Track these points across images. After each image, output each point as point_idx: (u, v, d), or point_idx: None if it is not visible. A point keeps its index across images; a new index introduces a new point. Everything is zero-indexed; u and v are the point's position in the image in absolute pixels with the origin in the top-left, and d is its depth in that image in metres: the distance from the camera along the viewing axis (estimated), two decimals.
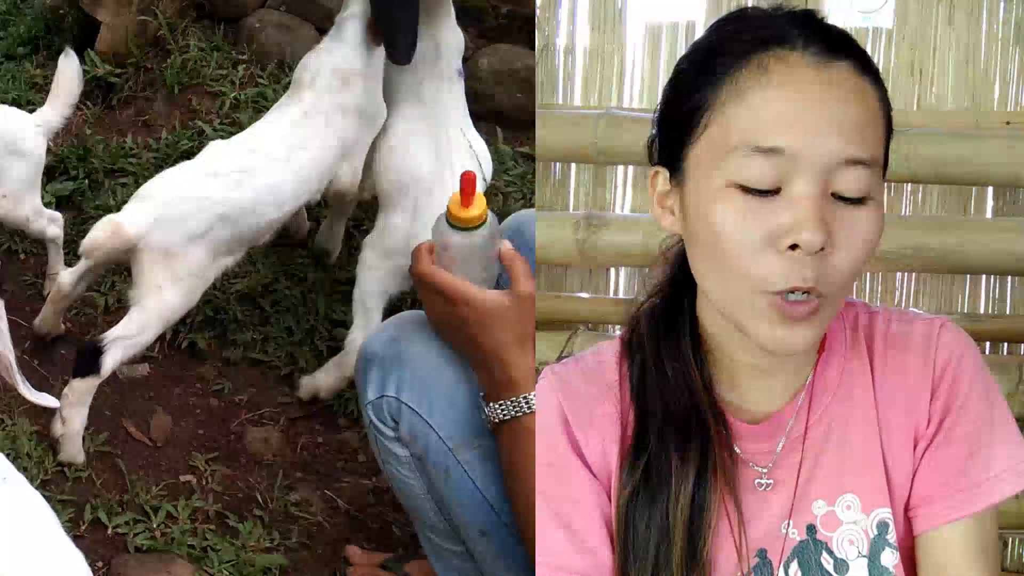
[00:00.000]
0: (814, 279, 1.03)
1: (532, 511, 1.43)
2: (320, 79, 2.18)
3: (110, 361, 1.99)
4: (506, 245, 1.53)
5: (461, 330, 1.49)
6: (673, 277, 1.19)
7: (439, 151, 2.17)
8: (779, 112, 1.03)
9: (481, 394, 1.50)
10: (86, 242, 1.98)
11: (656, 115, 1.16)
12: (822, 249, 1.02)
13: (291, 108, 2.17)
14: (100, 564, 1.92)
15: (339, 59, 2.20)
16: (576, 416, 1.16)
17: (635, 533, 1.12)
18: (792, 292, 1.03)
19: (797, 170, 1.02)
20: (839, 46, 1.07)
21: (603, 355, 1.20)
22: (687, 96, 1.09)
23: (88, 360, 1.99)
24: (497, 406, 1.46)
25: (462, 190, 1.48)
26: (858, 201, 1.04)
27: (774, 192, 1.03)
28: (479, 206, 1.49)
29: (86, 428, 2.12)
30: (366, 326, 2.13)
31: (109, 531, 1.98)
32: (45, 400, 1.43)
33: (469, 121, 2.27)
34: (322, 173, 2.19)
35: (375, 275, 2.16)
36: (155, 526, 1.99)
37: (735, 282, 1.06)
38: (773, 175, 1.03)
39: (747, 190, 1.04)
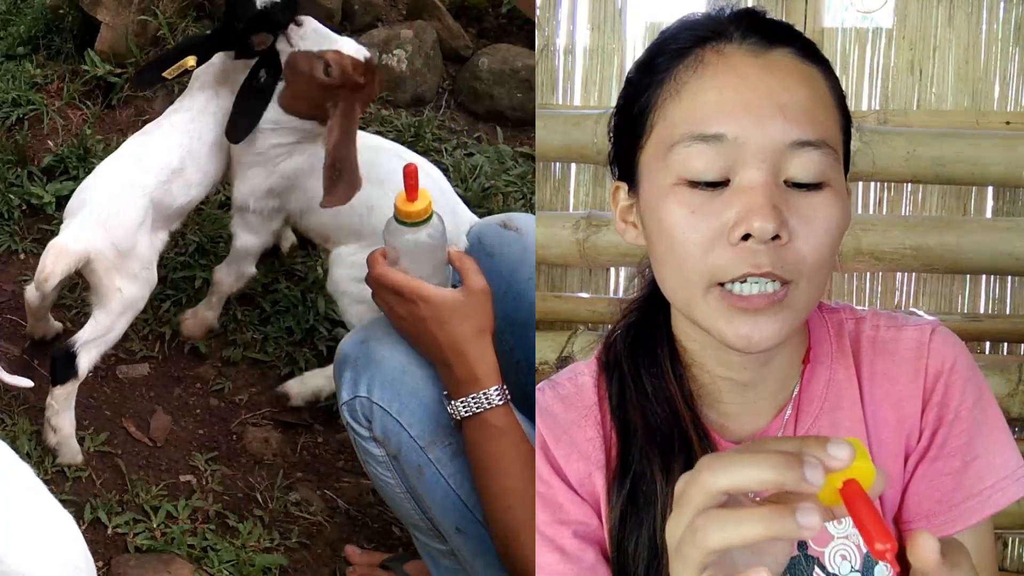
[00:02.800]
0: (770, 265, 0.98)
1: (500, 507, 1.44)
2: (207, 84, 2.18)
3: (85, 362, 2.00)
4: (452, 248, 1.57)
5: (420, 328, 1.51)
6: (649, 295, 1.16)
7: (369, 167, 2.10)
8: (717, 100, 1.00)
9: (445, 392, 1.51)
10: (38, 277, 1.96)
11: (610, 127, 1.14)
12: (778, 238, 0.98)
13: (184, 103, 2.19)
14: (100, 564, 1.92)
15: (219, 68, 2.18)
16: (557, 442, 1.14)
17: (626, 555, 1.10)
18: (747, 279, 0.98)
19: (743, 158, 0.98)
20: (778, 36, 1.04)
21: (579, 378, 1.18)
22: (634, 102, 1.08)
23: (63, 366, 1.99)
24: (460, 403, 1.48)
25: (406, 184, 1.51)
26: (814, 187, 1.00)
27: (723, 185, 0.99)
28: (424, 199, 1.52)
29: (86, 428, 2.12)
30: None
31: (109, 531, 1.98)
32: (21, 381, 1.45)
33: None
34: (219, 167, 2.19)
35: (363, 308, 2.09)
36: (155, 526, 1.99)
37: (689, 280, 1.02)
38: (719, 165, 0.99)
39: (695, 184, 1.00)
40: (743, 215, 0.98)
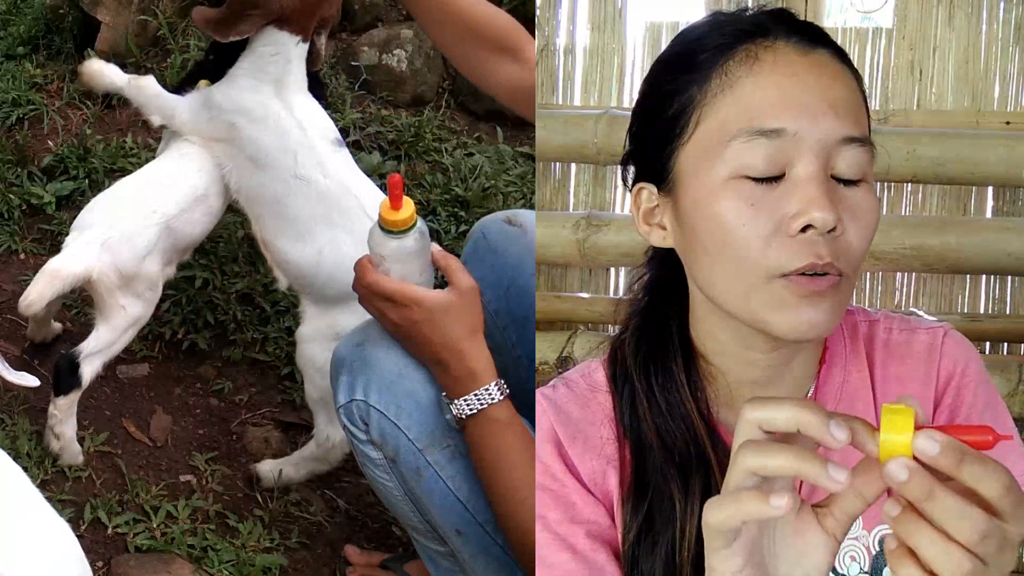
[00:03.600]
0: (830, 256, 0.99)
1: (513, 501, 1.42)
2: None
3: (88, 373, 1.98)
4: (435, 247, 1.57)
5: (414, 332, 1.51)
6: (651, 304, 1.16)
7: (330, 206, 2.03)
8: (775, 95, 1.01)
9: (443, 394, 1.51)
10: (23, 302, 1.94)
11: (632, 130, 1.14)
12: (834, 229, 0.99)
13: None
14: (100, 564, 1.92)
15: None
16: (571, 440, 1.13)
17: (641, 573, 1.08)
18: (808, 272, 0.99)
19: (799, 152, 1.00)
20: (817, 37, 1.06)
21: (593, 377, 1.17)
22: (670, 100, 1.07)
23: (66, 376, 1.98)
24: (463, 402, 1.48)
25: (390, 193, 1.51)
26: (855, 183, 1.02)
27: (777, 179, 1.01)
28: (408, 208, 1.52)
29: (86, 428, 2.12)
30: (333, 419, 1.99)
31: (109, 531, 1.97)
32: (26, 380, 1.44)
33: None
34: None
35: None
36: (155, 526, 1.99)
37: (748, 275, 1.01)
38: (778, 159, 1.00)
39: (752, 179, 1.01)
40: (803, 207, 0.99)
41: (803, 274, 1.00)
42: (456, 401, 1.49)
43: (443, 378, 1.51)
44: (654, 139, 1.09)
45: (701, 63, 1.05)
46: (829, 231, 0.99)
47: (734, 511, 0.80)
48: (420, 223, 1.55)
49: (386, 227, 1.53)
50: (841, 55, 1.07)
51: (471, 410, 1.48)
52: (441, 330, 1.49)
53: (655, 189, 1.10)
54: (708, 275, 1.07)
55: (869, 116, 1.08)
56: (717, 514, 0.81)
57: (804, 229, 0.99)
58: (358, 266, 1.55)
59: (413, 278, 1.54)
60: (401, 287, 1.51)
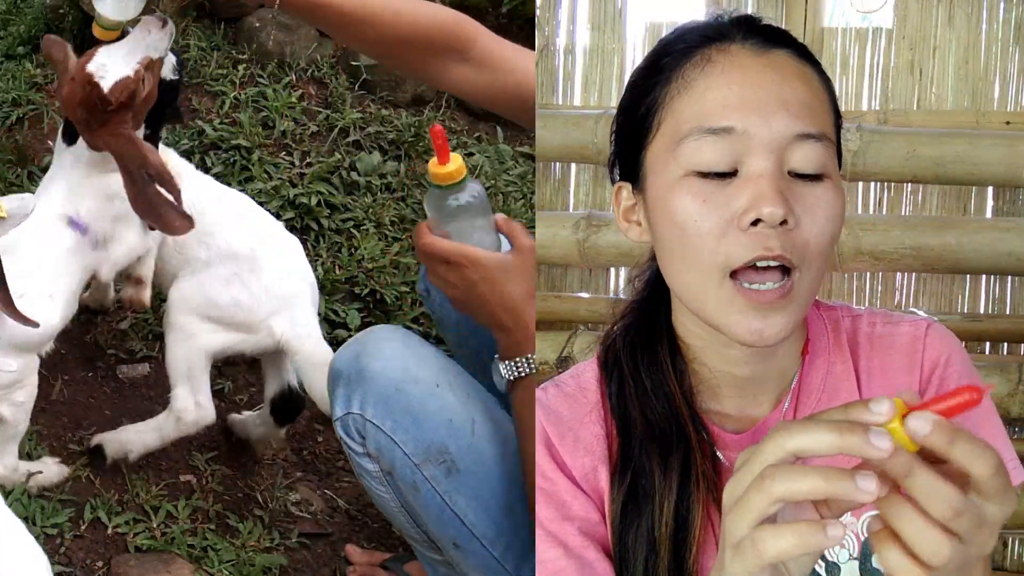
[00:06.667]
0: (780, 248, 1.02)
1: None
2: None
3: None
4: (499, 215, 1.52)
5: (473, 293, 1.46)
6: (645, 297, 1.20)
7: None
8: (725, 95, 1.05)
9: (496, 356, 1.47)
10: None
11: (613, 131, 1.18)
12: (785, 223, 1.02)
13: None
14: (100, 564, 1.92)
15: None
16: (561, 439, 1.16)
17: (625, 548, 1.11)
18: (758, 264, 1.02)
19: (750, 149, 1.03)
20: (777, 38, 1.09)
21: (583, 377, 1.20)
22: (640, 102, 1.12)
23: (287, 409, 2.14)
24: (514, 364, 1.45)
25: (435, 146, 1.46)
26: (815, 178, 1.05)
27: (731, 175, 1.04)
28: (456, 160, 1.48)
29: (86, 428, 2.12)
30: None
31: (109, 531, 1.98)
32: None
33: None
34: None
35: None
36: (155, 526, 1.99)
37: (702, 270, 1.05)
38: (728, 156, 1.04)
39: (704, 175, 1.04)
40: (753, 202, 1.02)
41: (753, 277, 1.02)
42: (508, 363, 1.45)
43: (504, 340, 1.46)
44: (628, 139, 1.14)
45: (664, 67, 1.10)
46: (780, 224, 1.02)
47: (797, 543, 0.78)
48: (474, 183, 1.49)
49: (435, 182, 1.47)
50: (805, 55, 1.09)
51: (522, 373, 1.44)
52: (499, 291, 1.44)
53: (631, 188, 1.15)
54: (671, 271, 1.11)
55: (839, 115, 1.11)
56: (778, 543, 0.79)
57: (755, 223, 1.02)
58: (416, 230, 1.50)
59: (475, 239, 1.48)
60: (457, 247, 1.45)
